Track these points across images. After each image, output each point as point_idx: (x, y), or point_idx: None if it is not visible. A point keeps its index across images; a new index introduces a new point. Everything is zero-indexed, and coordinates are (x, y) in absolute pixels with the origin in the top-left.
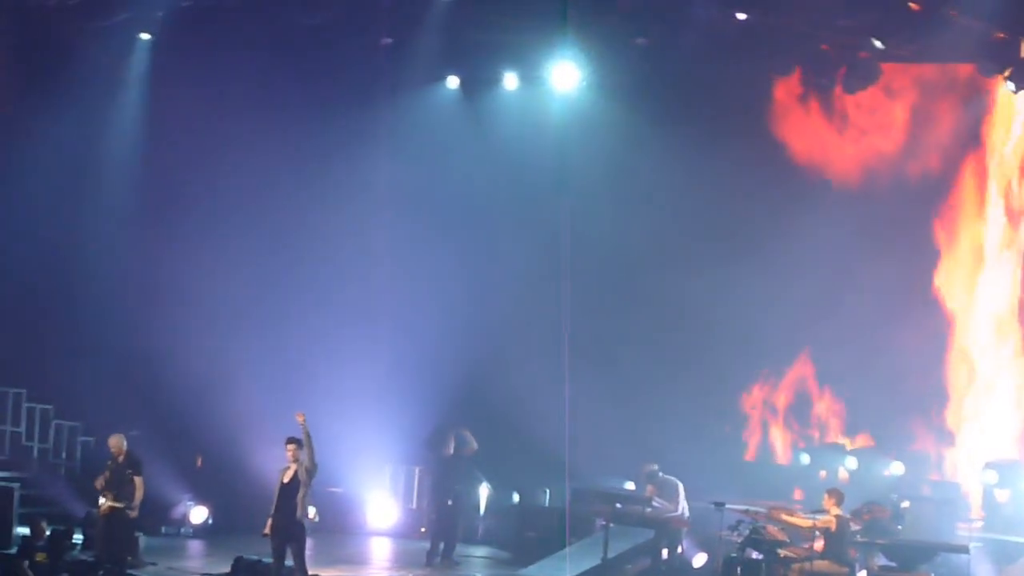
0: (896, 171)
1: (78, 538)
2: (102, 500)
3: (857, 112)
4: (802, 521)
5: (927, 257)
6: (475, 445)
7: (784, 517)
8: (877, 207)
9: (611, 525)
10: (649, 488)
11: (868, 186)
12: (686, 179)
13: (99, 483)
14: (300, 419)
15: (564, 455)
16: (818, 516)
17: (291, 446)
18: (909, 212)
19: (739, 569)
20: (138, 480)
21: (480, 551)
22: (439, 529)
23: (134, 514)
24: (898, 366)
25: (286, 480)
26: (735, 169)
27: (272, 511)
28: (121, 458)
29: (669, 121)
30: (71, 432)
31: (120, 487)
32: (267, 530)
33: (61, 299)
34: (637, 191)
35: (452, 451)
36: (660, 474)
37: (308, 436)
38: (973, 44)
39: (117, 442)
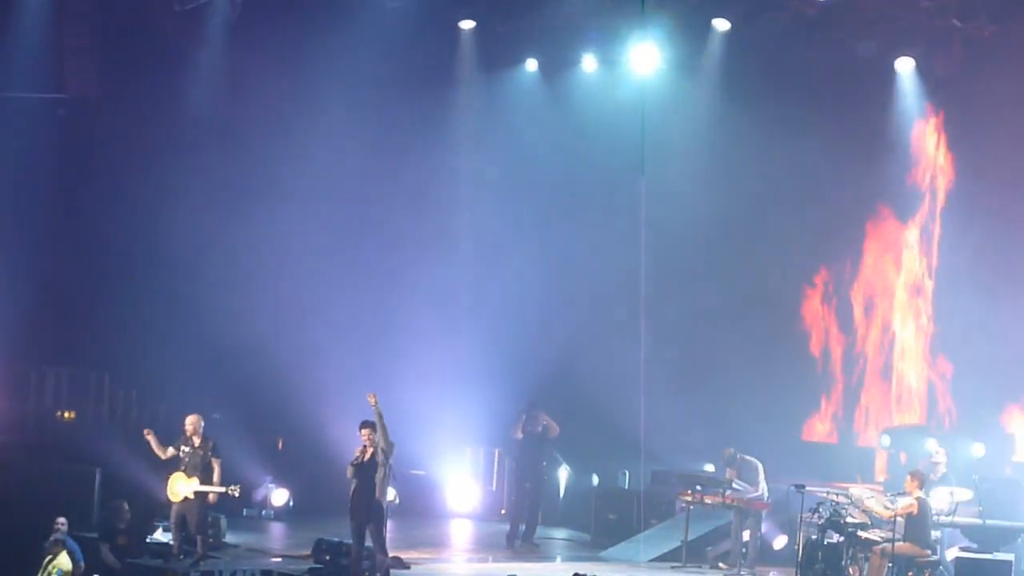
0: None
1: (159, 521)
2: (180, 485)
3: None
4: (883, 510)
5: None
6: (556, 428)
7: (866, 503)
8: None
9: (691, 507)
10: (729, 472)
11: None
12: (767, 161)
13: (169, 453)
14: (371, 400)
15: (643, 437)
16: (900, 499)
17: (365, 430)
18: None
19: (819, 552)
20: (216, 463)
21: (559, 533)
22: (519, 511)
23: (214, 499)
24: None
25: (364, 460)
26: (819, 150)
27: (350, 492)
28: (197, 439)
29: (750, 103)
30: (153, 415)
31: (199, 470)
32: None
33: (144, 283)
34: (717, 173)
35: (532, 433)
36: (739, 456)
37: (380, 416)
38: None
39: (194, 421)
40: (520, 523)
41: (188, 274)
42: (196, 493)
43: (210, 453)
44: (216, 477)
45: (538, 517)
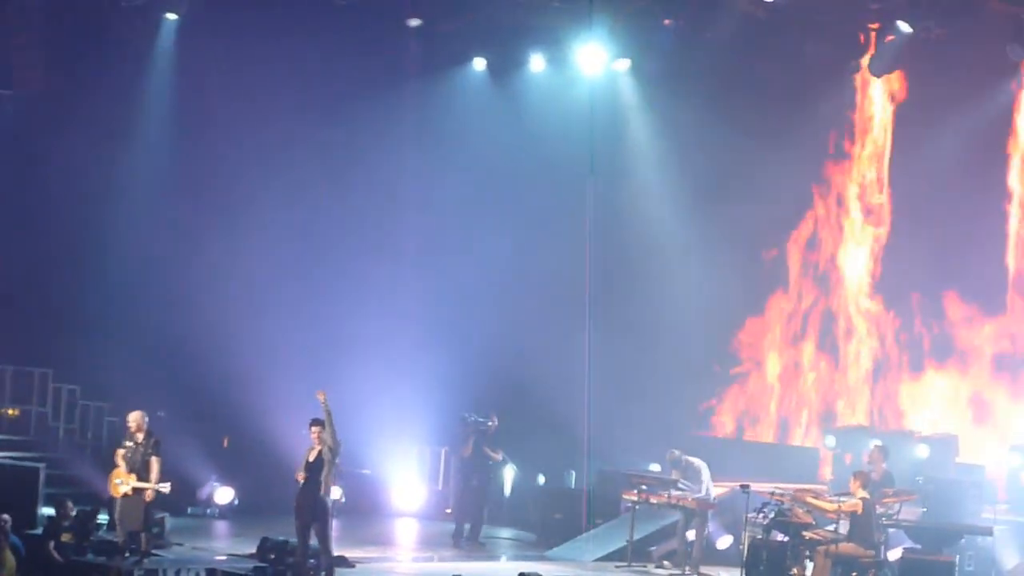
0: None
1: (103, 518)
2: (119, 481)
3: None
4: (828, 504)
5: None
6: (498, 455)
7: (810, 500)
8: None
9: (636, 507)
10: (674, 473)
11: None
12: (715, 161)
13: (118, 458)
14: (321, 397)
15: (589, 437)
16: (844, 499)
17: (315, 428)
18: None
19: (764, 552)
20: (155, 461)
21: (505, 532)
22: (464, 510)
23: (151, 496)
24: None
25: (310, 459)
26: (767, 151)
27: (297, 491)
28: (140, 436)
29: (699, 104)
30: (97, 413)
31: (139, 467)
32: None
33: (89, 280)
34: (664, 173)
35: (479, 432)
36: (684, 457)
37: (329, 414)
38: (1002, 27)
39: (137, 418)
40: (465, 522)
41: (135, 271)
42: (135, 490)
43: (150, 450)
44: (154, 475)
45: (483, 516)
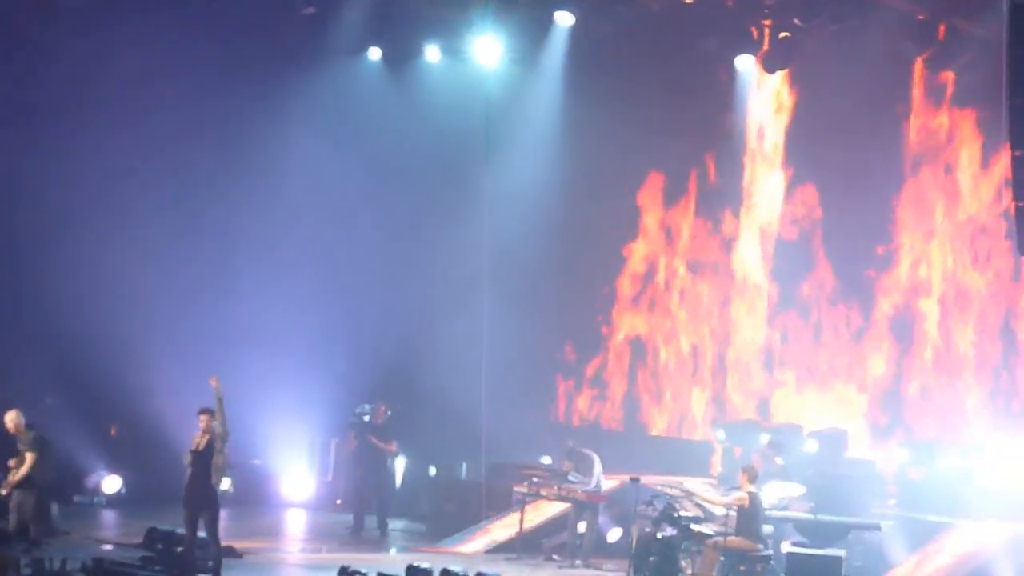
0: None
1: None
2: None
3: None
4: (716, 498)
5: None
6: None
7: (699, 494)
8: None
9: (527, 499)
10: (566, 463)
11: None
12: (608, 153)
13: (12, 462)
14: (213, 383)
15: (487, 428)
16: (732, 493)
17: (204, 416)
18: None
19: (653, 545)
20: (29, 456)
21: (396, 524)
22: (359, 504)
23: (4, 491)
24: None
25: (200, 448)
26: (659, 146)
27: (185, 480)
28: (22, 435)
29: (593, 96)
30: None
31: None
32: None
33: None
34: (559, 165)
35: (373, 425)
36: (579, 449)
37: (221, 401)
38: (895, 25)
39: (13, 418)
40: (364, 515)
41: (23, 257)
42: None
43: (26, 445)
44: (23, 470)
45: (388, 508)
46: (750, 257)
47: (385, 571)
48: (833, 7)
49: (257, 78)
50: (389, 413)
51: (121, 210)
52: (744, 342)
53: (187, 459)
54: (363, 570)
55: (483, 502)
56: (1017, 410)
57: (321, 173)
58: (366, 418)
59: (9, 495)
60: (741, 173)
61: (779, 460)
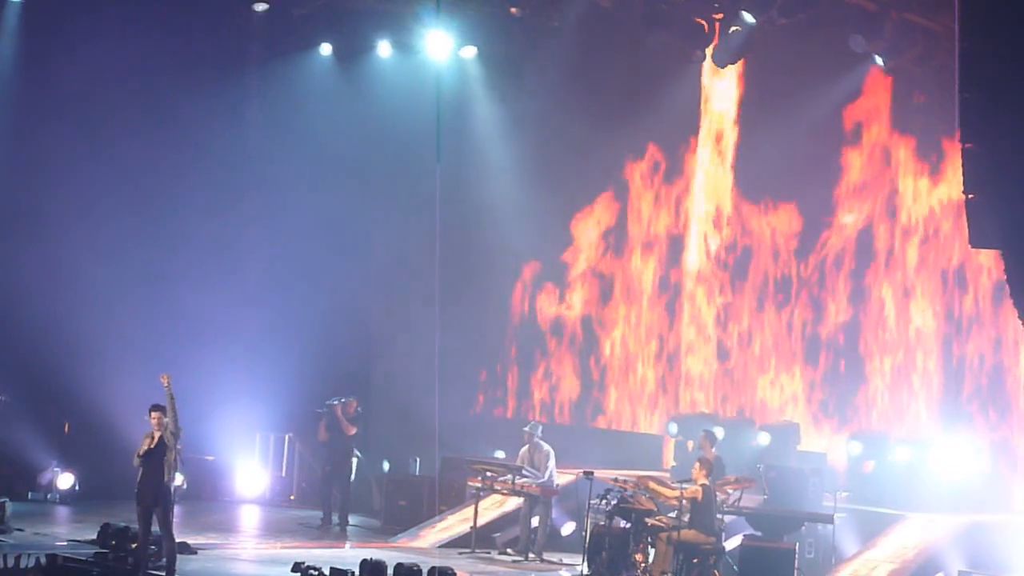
0: None
1: None
2: None
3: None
4: (669, 491)
5: None
6: (353, 429)
7: (652, 486)
8: None
9: (480, 493)
10: (522, 454)
11: None
12: (553, 149)
13: None
14: (164, 380)
15: (440, 423)
16: (686, 486)
17: (155, 414)
18: None
19: (607, 538)
20: None
21: (350, 519)
22: (327, 497)
23: None
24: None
25: (151, 445)
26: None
27: (138, 477)
28: None
29: (544, 92)
30: None
31: None
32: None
33: None
34: (510, 159)
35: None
36: (536, 439)
37: (172, 398)
38: (846, 18)
39: None
40: (331, 510)
41: None
42: None
43: None
44: None
45: (350, 502)
46: (701, 245)
47: (339, 566)
48: (783, 1)
49: (210, 74)
50: (359, 409)
51: (75, 205)
52: (696, 332)
53: (136, 461)
54: (318, 565)
55: (436, 497)
56: (966, 402)
57: (274, 168)
58: (345, 404)
59: None
60: (690, 165)
61: (713, 451)
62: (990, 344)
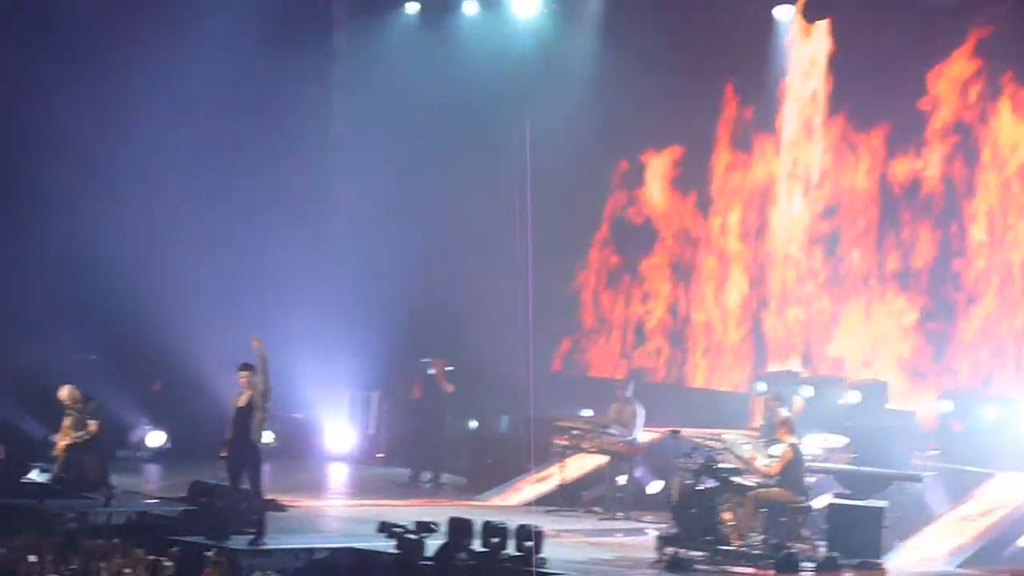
0: None
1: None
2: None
3: None
4: (757, 466)
5: None
6: (450, 387)
7: (741, 456)
8: None
9: (567, 452)
10: (612, 409)
11: None
12: (646, 103)
13: (60, 437)
14: (256, 343)
15: (533, 381)
16: (772, 445)
17: (244, 372)
18: None
19: (694, 497)
20: (93, 424)
21: (439, 477)
22: (420, 455)
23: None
24: None
25: (241, 404)
26: (697, 96)
27: (227, 435)
28: (79, 405)
29: (630, 46)
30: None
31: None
32: (224, 452)
33: (14, 218)
34: (597, 116)
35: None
36: (628, 395)
37: (264, 360)
38: None
39: (69, 394)
40: (420, 467)
41: (65, 218)
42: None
43: (88, 415)
44: (93, 430)
45: (444, 460)
46: (788, 207)
47: (427, 523)
48: None
49: (297, 34)
50: (450, 368)
51: (165, 166)
52: (784, 292)
53: (233, 413)
54: (402, 523)
55: (524, 455)
56: None
57: (358, 129)
58: (430, 371)
59: (68, 456)
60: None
61: (783, 411)
62: None
